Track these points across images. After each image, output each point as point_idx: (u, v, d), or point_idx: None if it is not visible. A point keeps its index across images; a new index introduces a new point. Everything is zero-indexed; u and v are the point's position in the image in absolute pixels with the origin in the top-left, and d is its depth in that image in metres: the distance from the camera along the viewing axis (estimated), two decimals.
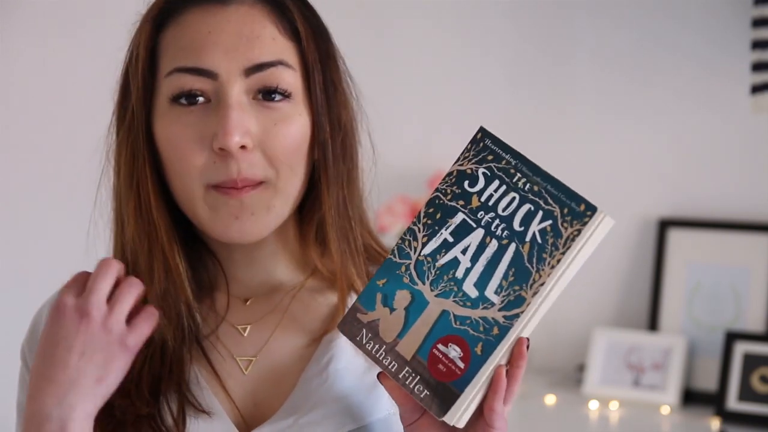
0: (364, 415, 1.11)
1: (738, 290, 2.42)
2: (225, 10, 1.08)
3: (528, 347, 0.99)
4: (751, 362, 2.31)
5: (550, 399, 2.43)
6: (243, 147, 1.06)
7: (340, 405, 1.11)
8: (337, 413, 1.10)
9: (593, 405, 2.40)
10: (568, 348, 2.59)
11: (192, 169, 1.07)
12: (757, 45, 2.18)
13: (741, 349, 2.32)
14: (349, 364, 1.12)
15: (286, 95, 1.09)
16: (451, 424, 0.98)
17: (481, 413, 1.00)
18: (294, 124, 1.09)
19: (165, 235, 1.12)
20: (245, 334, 1.15)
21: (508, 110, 2.66)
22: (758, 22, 2.18)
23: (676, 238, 2.49)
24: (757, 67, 2.17)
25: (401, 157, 2.67)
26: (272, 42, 1.09)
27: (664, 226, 2.50)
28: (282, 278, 1.18)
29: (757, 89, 2.18)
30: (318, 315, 1.17)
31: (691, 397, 2.40)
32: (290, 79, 1.09)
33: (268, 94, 1.08)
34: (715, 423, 2.27)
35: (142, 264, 1.11)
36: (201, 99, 1.07)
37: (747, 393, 2.29)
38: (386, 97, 2.73)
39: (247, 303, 1.17)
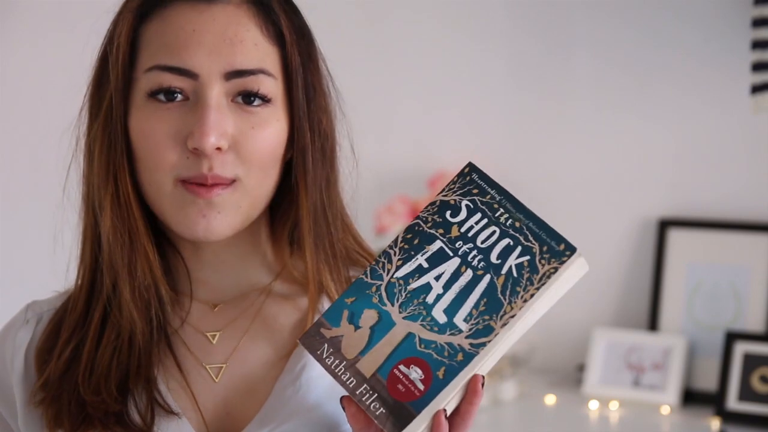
0: (338, 423, 1.11)
1: (738, 290, 2.42)
2: (210, 9, 1.07)
3: (483, 385, 0.99)
4: (751, 362, 2.31)
5: (550, 399, 2.43)
6: (218, 149, 1.06)
7: (314, 414, 1.10)
8: (311, 423, 1.10)
9: (593, 405, 2.40)
10: (568, 348, 2.59)
11: (163, 164, 1.07)
12: (757, 45, 2.18)
13: (741, 349, 2.32)
14: (321, 372, 1.11)
15: (265, 100, 1.09)
16: None
17: None
18: (270, 128, 1.09)
19: (144, 229, 1.11)
20: (214, 342, 1.14)
21: (509, 110, 2.66)
22: (758, 22, 2.18)
23: (676, 238, 2.49)
24: (757, 67, 2.17)
25: (401, 157, 2.67)
26: (254, 48, 1.08)
27: (664, 226, 2.50)
28: (252, 281, 1.17)
29: (757, 89, 2.17)
30: (289, 321, 1.16)
31: (691, 397, 2.40)
32: (270, 86, 1.09)
33: (247, 97, 1.08)
34: (715, 423, 2.27)
35: (119, 257, 1.10)
36: (179, 96, 1.07)
37: (747, 393, 2.29)
38: (386, 97, 2.73)
39: (216, 309, 1.16)
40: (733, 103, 2.39)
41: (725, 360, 2.32)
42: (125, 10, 1.10)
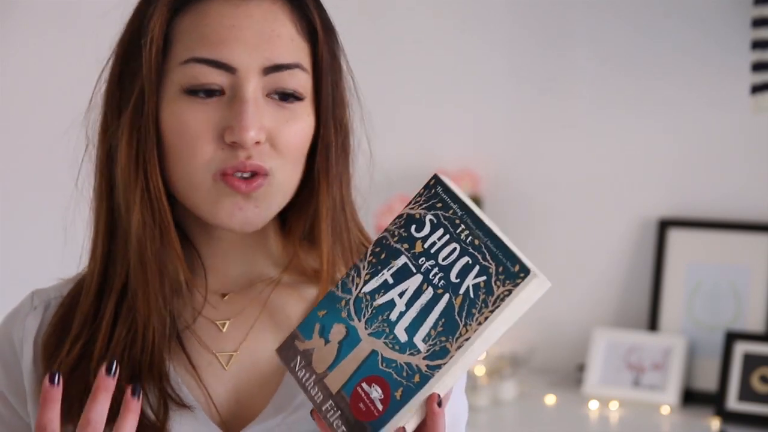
0: None
1: (738, 290, 2.42)
2: (247, 4, 1.08)
3: (440, 404, 0.98)
4: (751, 362, 2.31)
5: (550, 399, 2.43)
6: (257, 142, 1.07)
7: None
8: None
9: (593, 405, 2.40)
10: (568, 348, 2.59)
11: (200, 158, 1.07)
12: (757, 45, 2.18)
13: (741, 349, 2.32)
14: None
15: (298, 98, 1.10)
16: None
17: None
18: (302, 123, 1.10)
19: (172, 223, 1.11)
20: (224, 330, 1.15)
21: (509, 110, 2.66)
22: (758, 22, 2.18)
23: (676, 238, 2.49)
24: (757, 67, 2.18)
25: (401, 156, 2.67)
26: (290, 43, 1.10)
27: (664, 226, 2.50)
28: (260, 272, 1.18)
29: (757, 89, 2.18)
30: (296, 310, 1.17)
31: (691, 397, 2.40)
32: (304, 82, 1.10)
33: (283, 95, 1.09)
34: (715, 423, 2.27)
35: (150, 252, 1.10)
36: (219, 93, 1.07)
37: (747, 393, 2.29)
38: (386, 96, 2.73)
39: (225, 298, 1.16)
40: (733, 103, 2.39)
41: (725, 360, 2.32)
42: (159, 4, 1.09)
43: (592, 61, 2.56)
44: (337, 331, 1.04)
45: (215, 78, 1.07)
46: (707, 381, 2.40)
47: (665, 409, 2.36)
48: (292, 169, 1.11)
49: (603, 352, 2.46)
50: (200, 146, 1.07)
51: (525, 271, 0.97)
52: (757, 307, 2.39)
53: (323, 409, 1.02)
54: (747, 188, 2.45)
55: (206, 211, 1.09)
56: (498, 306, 0.97)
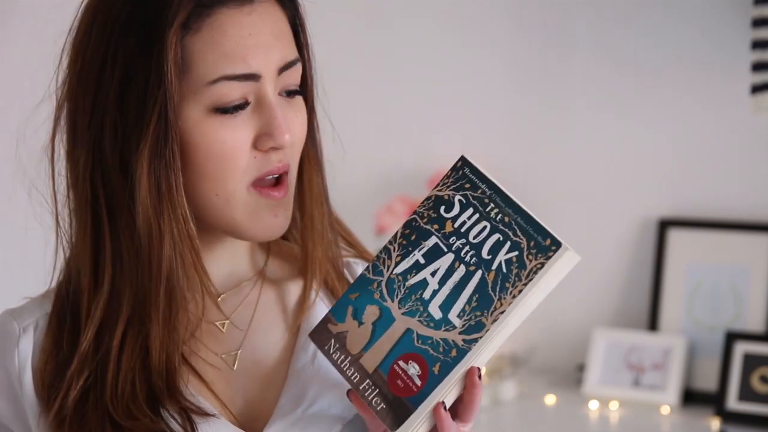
0: None
1: (738, 290, 2.42)
2: (255, 9, 1.07)
3: (480, 377, 1.01)
4: (751, 362, 2.31)
5: (550, 399, 2.43)
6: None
7: (339, 390, 1.13)
8: (341, 399, 1.12)
9: (593, 405, 2.40)
10: (568, 348, 2.59)
11: (236, 171, 1.07)
12: (757, 45, 2.18)
13: (741, 349, 2.32)
14: None
15: (299, 91, 1.12)
16: None
17: None
18: (303, 114, 1.12)
19: (197, 245, 1.09)
20: (224, 330, 1.16)
21: (509, 110, 2.66)
22: (758, 22, 2.18)
23: (676, 238, 2.49)
24: (757, 67, 2.17)
25: (401, 157, 2.67)
26: (291, 38, 1.11)
27: (664, 226, 2.50)
28: (246, 268, 1.19)
29: (757, 89, 2.18)
30: (288, 302, 1.19)
31: (691, 397, 2.40)
32: (300, 73, 1.12)
33: (291, 90, 1.11)
34: (715, 423, 2.27)
35: (182, 279, 1.08)
36: (246, 106, 1.07)
37: (747, 393, 2.29)
38: (386, 97, 2.73)
39: (219, 298, 1.16)
40: (732, 103, 2.39)
41: (725, 360, 2.32)
42: (168, 30, 1.03)
43: (591, 61, 2.56)
44: (371, 313, 1.06)
45: (243, 90, 1.06)
46: (707, 381, 2.40)
47: (665, 409, 2.36)
48: (298, 161, 1.13)
49: (603, 352, 2.46)
50: (236, 160, 1.06)
51: (557, 244, 1.01)
52: (757, 307, 2.39)
53: (360, 388, 1.04)
54: (747, 188, 2.45)
55: (243, 224, 1.09)
56: (531, 279, 1.00)
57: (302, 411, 1.11)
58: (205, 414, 1.08)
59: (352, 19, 2.73)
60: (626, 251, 2.56)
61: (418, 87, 2.73)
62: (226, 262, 1.17)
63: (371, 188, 2.65)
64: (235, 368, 1.14)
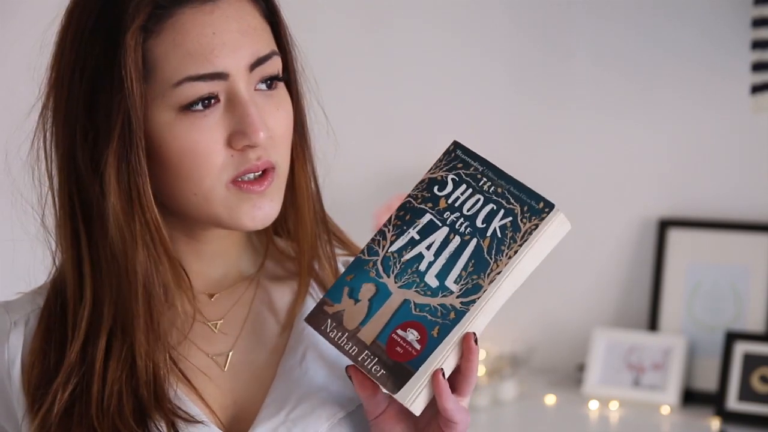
0: (350, 400, 1.12)
1: (738, 290, 2.42)
2: (218, 7, 1.06)
3: (476, 341, 1.02)
4: (751, 362, 2.31)
5: (550, 399, 2.43)
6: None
7: (326, 393, 1.12)
8: (325, 402, 1.11)
9: (593, 405, 2.40)
10: (568, 348, 2.59)
11: (212, 170, 1.06)
12: (757, 45, 2.18)
13: (741, 349, 2.32)
14: (323, 352, 1.14)
15: (280, 78, 1.10)
16: (405, 404, 1.01)
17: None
18: (287, 106, 1.11)
19: (172, 254, 1.09)
20: (216, 330, 1.15)
21: (509, 110, 2.66)
22: (758, 22, 2.18)
23: (676, 238, 2.49)
24: (757, 67, 2.17)
25: (401, 157, 2.67)
26: (263, 32, 1.09)
27: (664, 226, 2.50)
28: (242, 268, 1.18)
29: (757, 89, 2.18)
30: (283, 303, 1.18)
31: (691, 397, 2.40)
32: (279, 65, 1.10)
33: (269, 81, 1.09)
34: (715, 423, 2.27)
35: (157, 285, 1.07)
36: (214, 100, 1.06)
37: (747, 393, 2.29)
38: (386, 97, 2.73)
39: (213, 299, 1.16)
40: (732, 103, 2.39)
41: (725, 360, 2.32)
42: (126, 34, 1.04)
43: (591, 61, 2.56)
44: (367, 290, 1.07)
45: (211, 90, 1.05)
46: (707, 381, 2.40)
47: (665, 409, 2.36)
48: (287, 154, 1.11)
49: (603, 352, 2.46)
50: (213, 158, 1.06)
51: (549, 206, 1.05)
52: (757, 307, 2.39)
53: (359, 359, 1.04)
54: (747, 188, 2.45)
55: (226, 217, 1.08)
56: (526, 240, 1.03)
57: (285, 415, 1.10)
58: (192, 420, 1.08)
59: (353, 20, 2.73)
60: (626, 251, 2.56)
61: (418, 87, 2.73)
62: (220, 262, 1.16)
63: (371, 188, 2.65)
64: (225, 369, 1.13)
